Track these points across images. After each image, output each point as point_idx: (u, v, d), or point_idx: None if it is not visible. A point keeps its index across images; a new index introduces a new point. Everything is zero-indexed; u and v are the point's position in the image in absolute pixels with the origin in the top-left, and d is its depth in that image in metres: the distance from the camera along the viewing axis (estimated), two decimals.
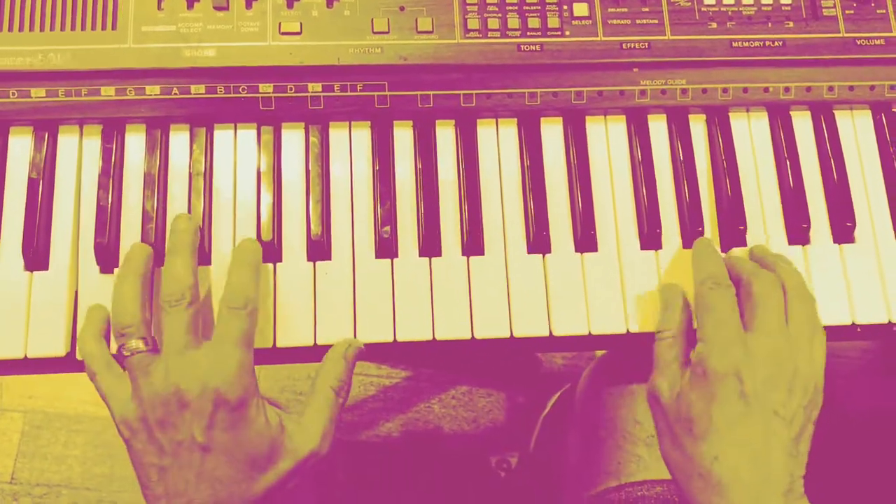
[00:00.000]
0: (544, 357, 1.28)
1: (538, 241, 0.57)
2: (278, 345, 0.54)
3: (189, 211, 0.56)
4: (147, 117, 0.57)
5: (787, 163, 0.60)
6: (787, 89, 0.60)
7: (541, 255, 0.57)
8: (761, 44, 0.60)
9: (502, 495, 1.14)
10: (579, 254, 0.58)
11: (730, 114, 0.61)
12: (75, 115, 0.57)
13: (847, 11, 0.61)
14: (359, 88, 0.58)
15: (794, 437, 0.48)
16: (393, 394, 1.26)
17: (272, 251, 0.56)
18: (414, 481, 1.14)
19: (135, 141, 0.58)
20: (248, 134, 0.58)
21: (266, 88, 0.57)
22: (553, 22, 0.59)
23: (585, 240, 0.57)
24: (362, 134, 0.59)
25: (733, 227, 0.58)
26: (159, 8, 0.57)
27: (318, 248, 0.56)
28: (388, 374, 1.27)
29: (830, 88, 0.61)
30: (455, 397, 1.27)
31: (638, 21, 0.59)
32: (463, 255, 0.57)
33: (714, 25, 0.60)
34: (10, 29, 0.56)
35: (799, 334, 0.50)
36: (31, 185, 0.56)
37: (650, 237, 0.58)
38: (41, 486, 1.21)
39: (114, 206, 0.56)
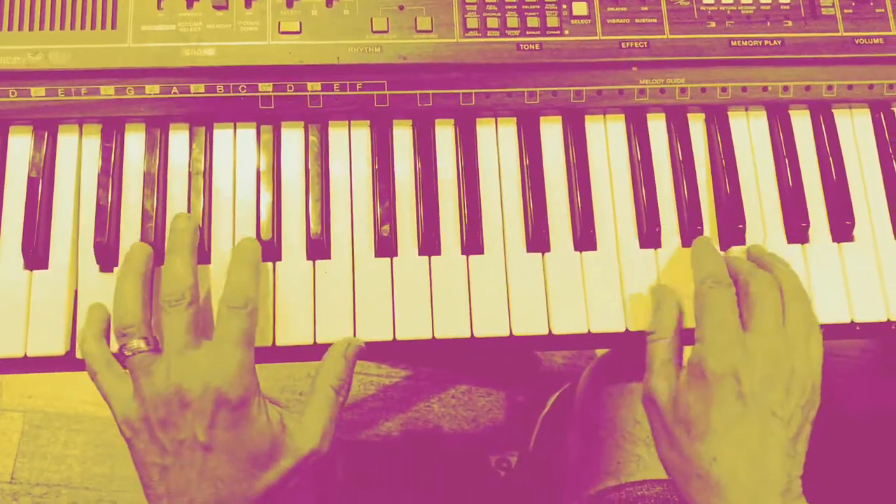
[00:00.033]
0: (544, 356, 1.28)
1: (537, 240, 0.57)
2: (278, 343, 0.54)
3: (189, 210, 0.56)
4: (146, 116, 0.57)
5: (786, 162, 0.60)
6: (785, 88, 0.60)
7: (540, 254, 0.57)
8: (760, 43, 0.60)
9: (502, 494, 1.14)
10: (578, 252, 0.58)
11: (729, 113, 0.61)
12: (75, 114, 0.57)
13: (846, 10, 0.61)
14: (358, 88, 0.58)
15: (791, 437, 0.48)
16: (393, 393, 1.26)
17: (272, 250, 0.56)
18: (413, 480, 1.14)
19: (134, 140, 0.58)
20: (247, 133, 0.58)
21: (265, 87, 0.57)
22: (552, 21, 0.59)
23: (585, 238, 0.58)
24: (362, 133, 0.59)
25: (732, 226, 0.58)
26: (159, 7, 0.57)
27: (318, 247, 0.56)
28: (387, 374, 1.27)
29: (829, 87, 0.61)
30: (455, 396, 1.27)
31: (637, 20, 0.59)
32: (462, 253, 0.57)
33: (713, 24, 0.60)
34: (10, 28, 0.56)
35: (796, 334, 0.50)
36: (31, 184, 0.56)
37: (649, 236, 0.58)
38: (41, 485, 1.21)
39: (113, 206, 0.56)
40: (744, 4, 0.60)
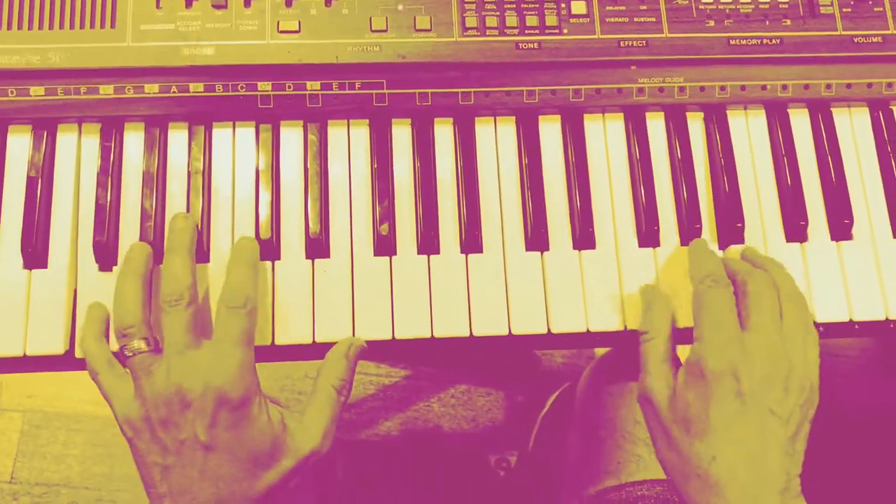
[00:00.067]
0: (543, 356, 1.28)
1: (536, 239, 0.57)
2: (277, 342, 0.54)
3: (188, 209, 0.56)
4: (146, 116, 0.57)
5: (785, 160, 0.60)
6: (784, 87, 0.60)
7: (539, 253, 0.57)
8: (759, 42, 0.60)
9: (501, 494, 1.14)
10: (577, 251, 0.58)
11: (727, 112, 0.61)
12: (74, 113, 0.57)
13: (844, 9, 0.61)
14: (357, 87, 0.58)
15: (790, 436, 0.48)
16: (392, 393, 1.26)
17: (271, 249, 0.56)
18: (413, 480, 1.14)
19: (133, 139, 0.58)
20: (246, 132, 0.58)
21: (264, 87, 0.57)
22: (551, 20, 0.59)
23: (584, 237, 0.58)
24: (361, 132, 0.59)
25: (731, 225, 0.58)
26: (158, 6, 0.57)
27: (317, 246, 0.56)
28: (387, 373, 1.27)
29: (828, 86, 0.61)
30: (454, 396, 1.27)
31: (636, 19, 0.59)
32: (461, 252, 0.57)
33: (712, 23, 0.60)
34: (9, 27, 0.56)
35: (793, 334, 0.50)
36: (30, 183, 0.56)
37: (648, 235, 0.58)
38: (40, 485, 1.21)
39: (112, 205, 0.56)
40: (742, 3, 0.60)
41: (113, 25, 0.57)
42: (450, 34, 0.58)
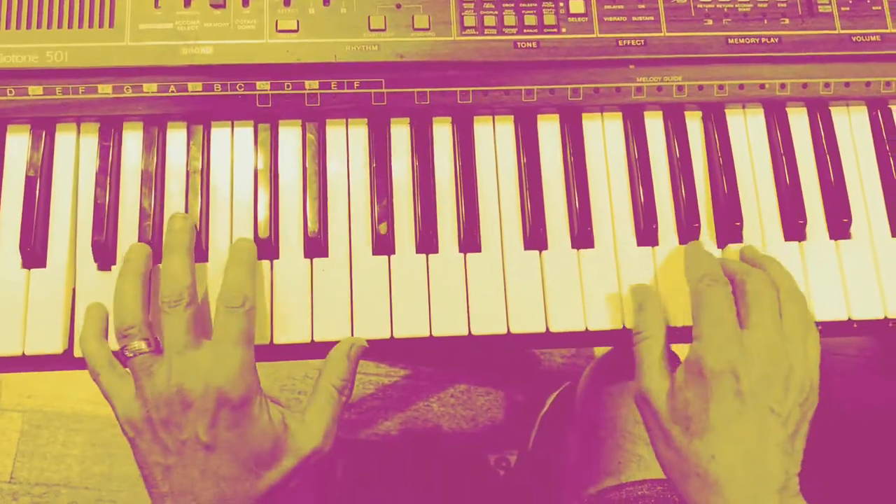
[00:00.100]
0: (543, 355, 1.28)
1: (535, 238, 0.57)
2: (276, 341, 0.54)
3: (186, 208, 0.56)
4: (144, 115, 0.57)
5: (784, 159, 0.60)
6: (783, 86, 0.60)
7: (537, 252, 0.57)
8: (757, 40, 0.60)
9: (501, 494, 1.14)
10: (576, 250, 0.58)
11: (726, 110, 0.61)
12: (73, 112, 0.57)
13: (843, 8, 0.61)
14: (356, 86, 0.58)
15: (789, 435, 0.48)
16: (392, 392, 1.26)
17: (269, 248, 0.56)
18: (413, 480, 1.14)
19: (132, 139, 0.58)
20: (244, 131, 0.58)
21: (263, 86, 0.58)
22: (549, 19, 0.59)
23: (582, 236, 0.58)
24: (359, 131, 0.59)
25: (730, 224, 0.58)
26: (156, 6, 0.57)
27: (316, 246, 0.56)
28: (386, 373, 1.27)
29: (826, 85, 0.61)
30: (454, 396, 1.27)
31: (634, 18, 0.59)
32: (460, 251, 0.57)
33: (710, 22, 0.60)
34: (8, 27, 0.56)
35: (793, 332, 0.50)
36: (29, 183, 0.56)
37: (647, 234, 0.58)
38: (40, 485, 1.21)
39: (111, 204, 0.56)
40: (740, 2, 0.60)
41: (111, 25, 0.57)
42: (448, 33, 0.59)
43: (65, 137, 0.57)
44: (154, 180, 0.56)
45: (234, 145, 0.58)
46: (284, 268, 0.56)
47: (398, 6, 0.59)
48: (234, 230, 0.56)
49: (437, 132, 0.60)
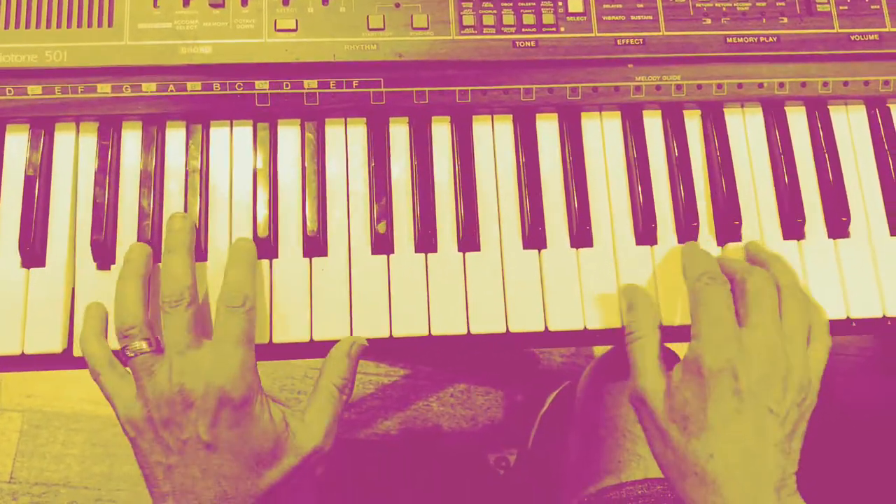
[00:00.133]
0: (542, 355, 1.29)
1: (534, 237, 0.57)
2: (275, 340, 0.54)
3: (185, 208, 0.56)
4: (143, 114, 0.57)
5: (782, 158, 0.60)
6: (781, 85, 0.60)
7: (536, 251, 0.57)
8: (756, 39, 0.60)
9: (501, 493, 1.14)
10: (575, 249, 0.58)
11: (725, 109, 0.61)
12: (72, 112, 0.57)
13: (841, 7, 0.61)
14: (354, 85, 0.58)
15: (787, 435, 0.48)
16: (391, 392, 1.26)
17: (269, 248, 0.56)
18: (412, 479, 1.14)
19: (131, 138, 0.58)
20: (243, 131, 0.58)
21: (262, 85, 0.58)
22: (548, 18, 0.59)
23: (581, 235, 0.58)
24: (358, 130, 0.59)
25: (728, 223, 0.58)
26: (155, 5, 0.57)
27: (315, 245, 0.56)
28: (386, 373, 1.28)
29: (825, 84, 0.61)
30: (453, 395, 1.27)
31: (632, 17, 0.59)
32: (459, 250, 0.57)
33: (708, 21, 0.60)
34: (7, 26, 0.56)
35: (793, 331, 0.50)
36: (28, 182, 0.56)
37: (645, 233, 0.58)
38: (40, 485, 1.21)
39: (110, 204, 0.56)
40: (739, 1, 0.60)
41: (110, 24, 0.57)
42: (447, 32, 0.59)
43: (64, 137, 0.58)
44: (153, 180, 0.56)
45: (233, 145, 0.58)
46: (283, 267, 0.56)
47: (397, 5, 0.59)
48: (234, 230, 0.57)
49: (435, 131, 0.60)
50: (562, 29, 0.59)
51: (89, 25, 0.57)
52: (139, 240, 0.55)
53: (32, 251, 0.54)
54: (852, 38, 0.60)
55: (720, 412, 0.48)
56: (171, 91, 0.57)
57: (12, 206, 0.56)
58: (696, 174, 0.60)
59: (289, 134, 0.59)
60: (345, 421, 1.23)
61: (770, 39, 0.60)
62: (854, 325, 0.58)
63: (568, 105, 0.60)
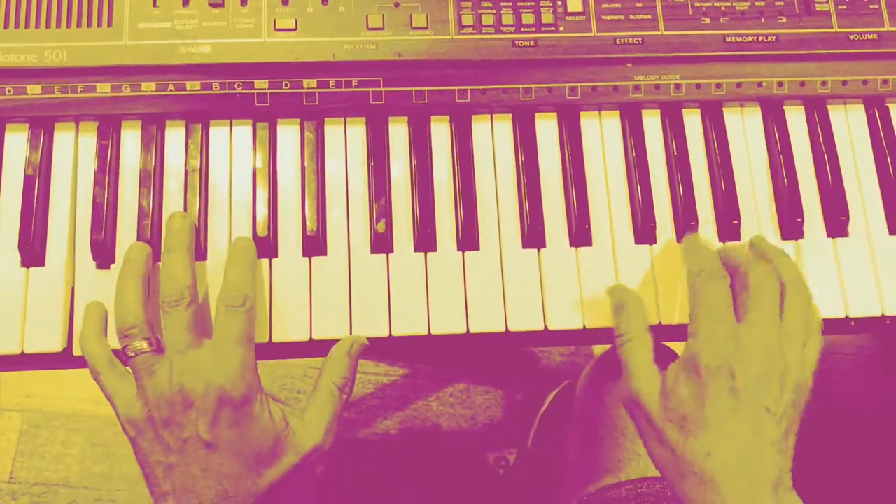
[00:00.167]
0: (542, 354, 1.29)
1: (533, 236, 0.57)
2: (274, 340, 0.55)
3: (185, 207, 0.56)
4: (143, 114, 0.57)
5: (781, 157, 0.60)
6: (780, 84, 0.60)
7: (536, 250, 0.57)
8: (755, 39, 0.60)
9: (500, 492, 1.14)
10: (574, 248, 0.58)
11: (724, 109, 0.61)
12: (71, 111, 0.57)
13: (840, 6, 0.61)
14: (354, 84, 0.58)
15: (783, 433, 0.48)
16: (391, 391, 1.26)
17: (268, 247, 0.56)
18: (412, 479, 1.14)
19: (130, 137, 0.58)
20: (243, 130, 0.58)
21: (261, 85, 0.58)
22: (547, 18, 0.59)
23: (580, 234, 0.58)
24: (357, 130, 0.59)
25: (727, 222, 0.58)
26: (155, 5, 0.57)
27: (314, 244, 0.56)
28: (385, 372, 1.28)
29: (824, 83, 0.61)
30: (453, 395, 1.27)
31: (631, 16, 0.60)
32: (458, 249, 0.57)
33: (707, 20, 0.60)
34: (6, 26, 0.56)
35: (793, 329, 0.50)
36: (28, 181, 0.56)
37: (644, 231, 0.58)
38: (40, 485, 1.21)
39: (110, 203, 0.56)
40: (738, 1, 0.60)
41: (110, 24, 0.57)
42: (446, 32, 0.59)
43: (63, 136, 0.58)
44: (153, 179, 0.56)
45: (233, 144, 0.58)
46: (283, 266, 0.56)
47: (396, 5, 0.59)
48: (233, 229, 0.57)
49: (435, 131, 0.60)
50: (561, 28, 0.59)
51: (89, 25, 0.57)
52: (139, 239, 0.55)
53: (32, 250, 0.55)
54: (851, 37, 0.60)
55: (717, 410, 0.48)
56: (171, 90, 0.57)
57: (12, 206, 0.56)
58: (695, 173, 0.60)
59: (288, 133, 0.59)
60: (344, 420, 1.23)
61: (769, 39, 0.60)
62: (853, 323, 0.58)
63: (567, 104, 0.60)
